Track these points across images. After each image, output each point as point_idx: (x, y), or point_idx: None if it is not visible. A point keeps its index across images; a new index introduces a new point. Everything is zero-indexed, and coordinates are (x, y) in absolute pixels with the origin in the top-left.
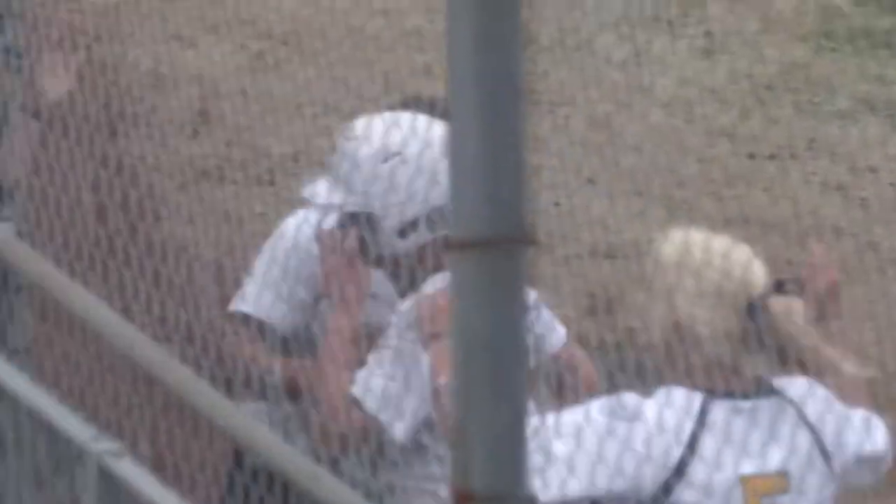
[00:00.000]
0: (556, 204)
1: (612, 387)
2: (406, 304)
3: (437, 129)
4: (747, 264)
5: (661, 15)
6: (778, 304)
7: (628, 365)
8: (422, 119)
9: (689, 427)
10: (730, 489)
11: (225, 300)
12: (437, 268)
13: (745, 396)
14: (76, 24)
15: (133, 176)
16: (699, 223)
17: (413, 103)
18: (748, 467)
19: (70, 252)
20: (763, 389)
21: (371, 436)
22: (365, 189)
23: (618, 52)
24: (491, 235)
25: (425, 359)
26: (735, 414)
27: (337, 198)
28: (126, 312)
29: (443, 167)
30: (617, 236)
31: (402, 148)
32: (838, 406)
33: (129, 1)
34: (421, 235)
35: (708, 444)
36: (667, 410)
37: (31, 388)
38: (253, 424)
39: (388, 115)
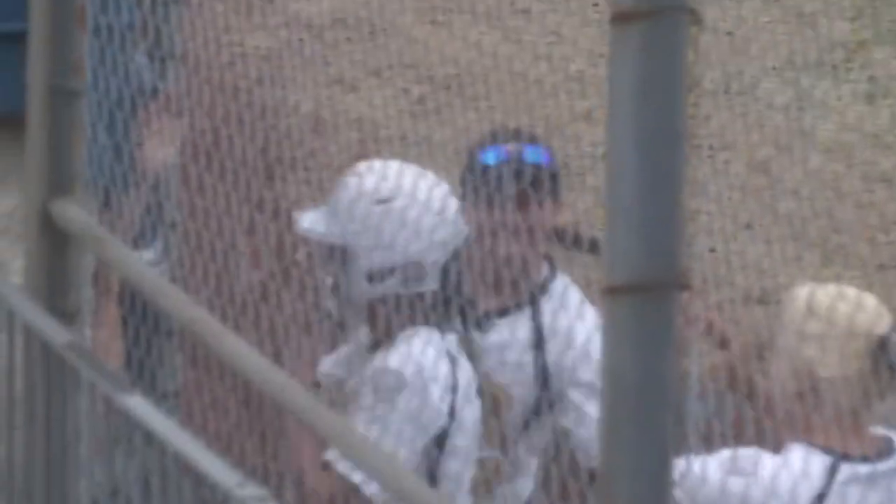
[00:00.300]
0: (712, 250)
1: (759, 432)
2: (378, 362)
3: (433, 185)
4: (873, 306)
5: (826, 60)
6: None
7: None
8: (427, 175)
9: (814, 489)
10: None
11: None
12: (402, 325)
13: (879, 457)
14: (181, 93)
15: (289, 220)
16: (854, 269)
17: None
18: None
19: (223, 297)
20: (890, 449)
21: (347, 499)
22: (348, 224)
23: (780, 97)
24: (645, 280)
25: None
26: (862, 481)
27: (321, 227)
28: (277, 358)
29: (428, 223)
30: (771, 281)
31: (395, 195)
32: None
33: (292, 45)
34: (390, 286)
35: None
36: (787, 471)
37: (179, 433)
38: (402, 471)
39: (393, 162)
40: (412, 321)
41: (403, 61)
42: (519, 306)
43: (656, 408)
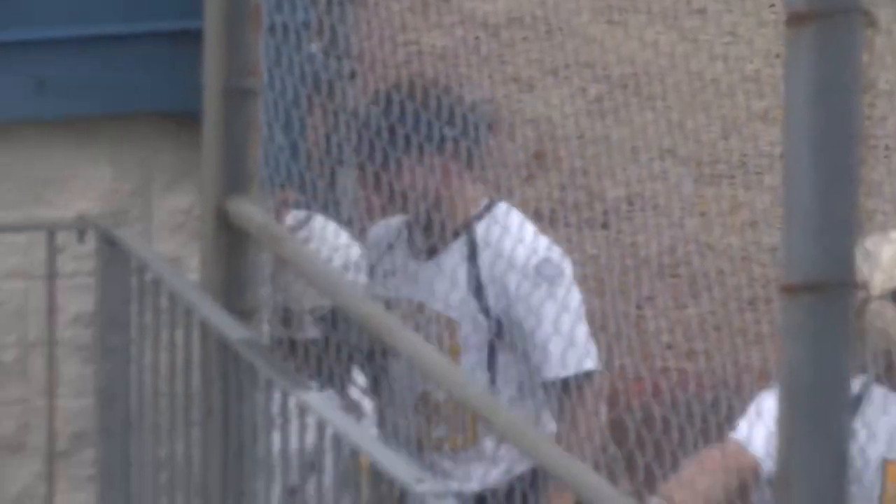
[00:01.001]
0: None
1: None
2: None
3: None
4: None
5: None
6: (879, 305)
7: None
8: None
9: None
10: (874, 472)
11: None
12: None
13: None
14: None
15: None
16: None
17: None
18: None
19: None
20: None
21: None
22: None
23: None
24: (820, 279)
25: None
26: (889, 400)
27: None
28: None
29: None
30: None
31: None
32: None
33: (468, 44)
34: (273, 327)
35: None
36: None
37: (357, 429)
38: (574, 463)
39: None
40: (298, 367)
41: (580, 60)
42: (454, 236)
43: (832, 406)
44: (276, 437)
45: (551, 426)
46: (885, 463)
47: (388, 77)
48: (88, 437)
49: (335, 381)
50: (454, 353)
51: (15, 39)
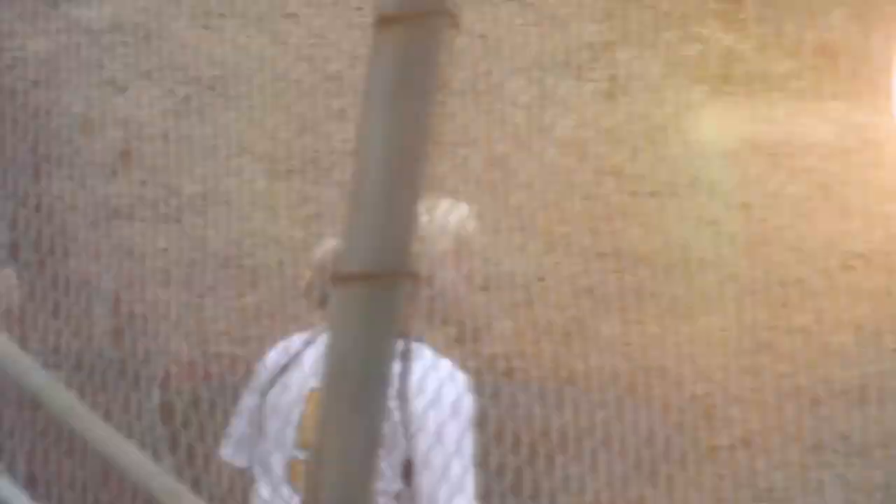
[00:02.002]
0: None
1: None
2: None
3: None
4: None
5: (572, 61)
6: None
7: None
8: None
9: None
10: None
11: (118, 331)
12: None
13: None
14: None
15: (49, 214)
16: (574, 256)
17: None
18: None
19: None
20: None
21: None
22: None
23: (524, 95)
24: (375, 269)
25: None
26: None
27: None
28: (23, 342)
29: None
30: (495, 269)
31: None
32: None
33: (69, 50)
34: None
35: None
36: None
37: None
38: (122, 443)
39: None
40: None
41: (173, 63)
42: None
43: (374, 389)
44: None
45: None
46: (310, 392)
47: None
48: None
49: None
50: None
51: None
